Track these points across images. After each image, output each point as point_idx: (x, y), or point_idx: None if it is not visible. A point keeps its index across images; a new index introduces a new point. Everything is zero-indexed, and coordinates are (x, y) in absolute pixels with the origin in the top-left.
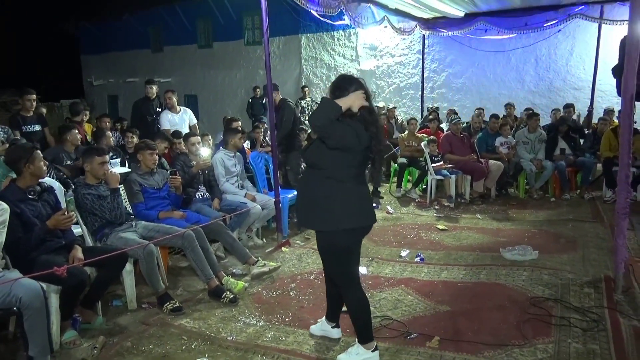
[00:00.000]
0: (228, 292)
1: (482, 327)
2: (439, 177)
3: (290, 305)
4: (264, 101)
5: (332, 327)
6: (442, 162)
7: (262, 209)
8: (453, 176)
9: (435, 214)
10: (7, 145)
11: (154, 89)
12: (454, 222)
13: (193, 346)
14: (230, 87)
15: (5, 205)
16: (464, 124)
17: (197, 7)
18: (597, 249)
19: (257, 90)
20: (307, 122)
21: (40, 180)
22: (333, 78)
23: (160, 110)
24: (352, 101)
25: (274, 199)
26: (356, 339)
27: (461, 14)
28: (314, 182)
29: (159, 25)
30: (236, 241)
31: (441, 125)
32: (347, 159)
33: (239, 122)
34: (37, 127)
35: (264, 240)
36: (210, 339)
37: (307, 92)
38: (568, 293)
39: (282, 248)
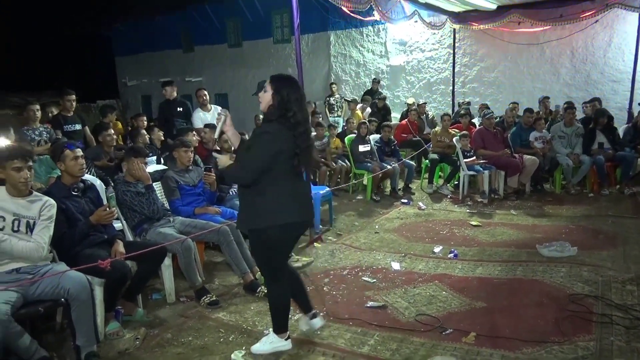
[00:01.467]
0: (263, 287)
1: (519, 324)
2: (471, 172)
3: (324, 300)
4: None
5: (311, 319)
6: (474, 158)
7: None
8: (486, 172)
9: (468, 210)
10: (50, 144)
11: (168, 90)
12: (487, 218)
13: (230, 339)
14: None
15: (52, 201)
16: (497, 119)
17: (226, 6)
18: (638, 245)
19: None
20: (333, 118)
21: (83, 178)
22: (362, 74)
23: (181, 110)
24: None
25: None
26: (270, 329)
27: (493, 6)
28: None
29: (189, 26)
30: None
31: (473, 120)
32: (277, 161)
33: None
34: (78, 127)
35: None
36: (247, 332)
37: (335, 89)
38: (609, 290)
39: (314, 244)
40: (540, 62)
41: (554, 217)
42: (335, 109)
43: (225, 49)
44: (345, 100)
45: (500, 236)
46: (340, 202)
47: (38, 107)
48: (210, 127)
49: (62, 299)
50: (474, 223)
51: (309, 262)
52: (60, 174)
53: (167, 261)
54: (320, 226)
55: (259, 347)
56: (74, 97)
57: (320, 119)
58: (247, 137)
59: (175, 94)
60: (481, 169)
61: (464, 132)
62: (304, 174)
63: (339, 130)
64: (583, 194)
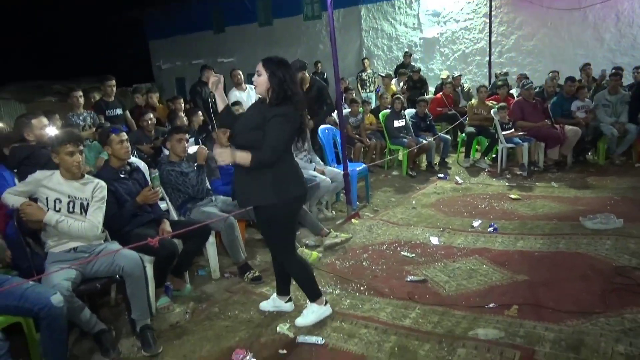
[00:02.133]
0: None
1: (563, 297)
2: (510, 145)
3: (364, 275)
4: (325, 76)
5: (286, 302)
6: (513, 130)
7: (332, 182)
8: (525, 144)
9: (507, 184)
10: (94, 129)
11: (206, 73)
12: (527, 191)
13: (275, 312)
14: (298, 59)
15: (103, 183)
16: (537, 89)
17: None
18: None
19: (319, 65)
20: (365, 94)
21: (129, 161)
22: (395, 48)
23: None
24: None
25: (342, 172)
26: (307, 300)
27: None
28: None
29: (220, 6)
30: (308, 213)
31: (511, 91)
32: None
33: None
34: (119, 111)
35: (334, 213)
36: None
37: (367, 64)
38: None
39: (352, 220)
40: (583, 27)
41: (597, 188)
42: (368, 84)
43: (255, 28)
44: (379, 75)
45: (541, 209)
46: (376, 178)
47: (80, 93)
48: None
49: (117, 276)
50: (513, 196)
51: (347, 239)
52: (107, 157)
53: (211, 239)
54: (357, 203)
55: (304, 320)
56: (114, 82)
57: (353, 94)
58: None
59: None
60: (520, 141)
61: (502, 103)
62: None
63: (373, 105)
64: (628, 165)
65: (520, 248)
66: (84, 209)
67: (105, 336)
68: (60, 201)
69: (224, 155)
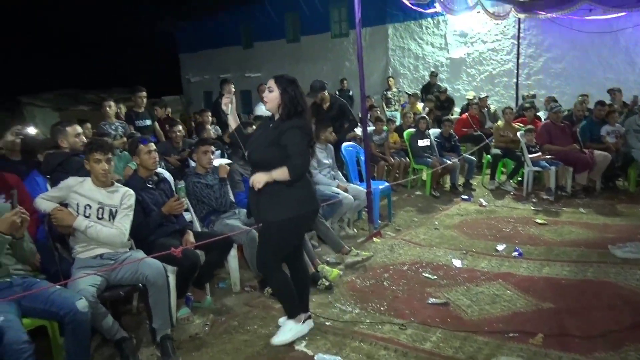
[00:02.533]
0: (324, 279)
1: (591, 327)
2: (536, 168)
3: (385, 295)
4: (350, 94)
5: (304, 321)
6: (540, 153)
7: (354, 199)
8: (553, 168)
9: (532, 208)
10: (125, 139)
11: (226, 87)
12: (554, 216)
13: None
14: (317, 79)
15: (132, 191)
16: (565, 112)
17: (285, 2)
18: None
19: (345, 82)
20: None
21: (157, 171)
22: (421, 67)
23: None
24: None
25: (365, 190)
26: (286, 317)
27: None
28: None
29: (249, 22)
30: (330, 230)
31: (538, 114)
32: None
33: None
34: (148, 122)
35: (355, 231)
36: None
37: (392, 83)
38: None
39: (374, 239)
40: (614, 51)
41: (627, 216)
42: (393, 103)
43: (283, 44)
44: (406, 93)
45: (568, 235)
46: (399, 197)
47: (112, 103)
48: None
49: (140, 285)
50: (539, 221)
51: (368, 257)
52: (135, 167)
53: (233, 252)
54: (379, 221)
55: (280, 338)
56: (144, 94)
57: (378, 112)
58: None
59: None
60: (547, 164)
61: (529, 126)
62: None
63: (397, 124)
64: None
65: (546, 274)
66: (113, 215)
67: (126, 344)
68: (90, 207)
69: (260, 178)
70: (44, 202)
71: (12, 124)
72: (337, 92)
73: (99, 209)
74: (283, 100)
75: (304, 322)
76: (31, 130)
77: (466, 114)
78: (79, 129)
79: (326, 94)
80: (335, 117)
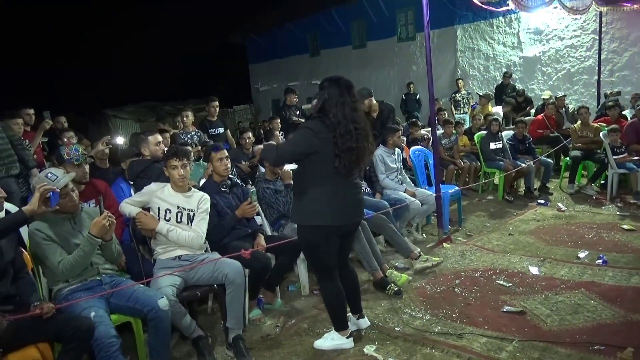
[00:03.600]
0: (392, 285)
1: None
2: (622, 171)
3: (456, 302)
4: (417, 97)
5: (358, 319)
6: (626, 154)
7: (422, 204)
8: None
9: (618, 213)
10: (199, 147)
11: (289, 97)
12: None
13: (362, 333)
14: (384, 84)
15: (207, 196)
16: None
17: (351, 8)
18: None
19: (411, 86)
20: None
21: (230, 176)
22: (492, 68)
23: (299, 113)
24: None
25: (434, 194)
26: (332, 327)
27: None
28: (295, 180)
29: (316, 31)
30: (398, 234)
31: (624, 112)
32: (315, 161)
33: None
34: (220, 130)
35: (424, 236)
36: (379, 328)
37: (462, 85)
38: None
39: (444, 244)
40: None
41: None
42: (462, 105)
43: (349, 50)
44: (477, 94)
45: None
46: (470, 202)
47: (190, 113)
48: None
49: (216, 285)
50: (626, 227)
51: (438, 262)
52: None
53: (302, 255)
54: (449, 226)
55: (321, 343)
56: (217, 103)
57: (446, 115)
58: None
59: (295, 99)
60: (635, 166)
61: (613, 125)
62: (355, 176)
63: (466, 126)
64: None
65: (636, 284)
66: (190, 219)
67: (202, 342)
68: (170, 211)
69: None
70: (128, 207)
71: (99, 134)
72: (404, 96)
73: (177, 213)
74: (317, 97)
75: (348, 337)
76: (119, 140)
77: (542, 114)
78: (159, 137)
79: (374, 101)
80: (385, 122)
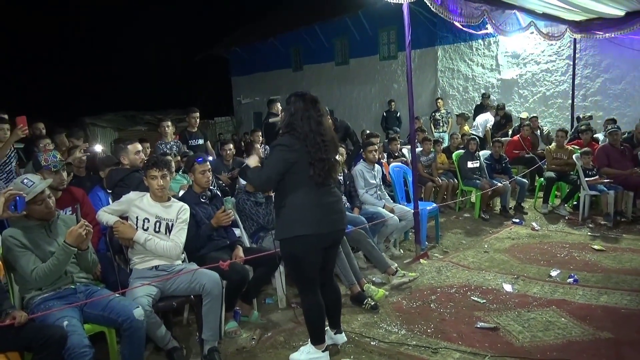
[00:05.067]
0: (369, 299)
1: None
2: (594, 192)
3: (432, 317)
4: (398, 115)
5: (335, 334)
6: (597, 177)
7: (400, 220)
8: (611, 192)
9: (589, 233)
10: (179, 157)
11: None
12: (613, 242)
13: (339, 347)
14: (365, 101)
15: (187, 206)
16: (625, 135)
17: (335, 26)
18: None
19: (392, 103)
20: (438, 134)
21: (210, 187)
22: (470, 89)
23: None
24: (253, 160)
25: (412, 210)
26: (309, 340)
27: (622, 13)
28: (276, 194)
29: (299, 46)
30: (376, 249)
31: (595, 136)
32: (293, 173)
33: (378, 139)
34: (201, 141)
35: (401, 252)
36: (355, 342)
37: (441, 104)
38: None
39: (421, 260)
40: None
41: None
42: (441, 124)
43: (332, 67)
44: (454, 115)
45: (629, 263)
46: (447, 219)
47: (169, 123)
48: None
49: (192, 296)
50: (596, 247)
51: (414, 278)
52: (190, 183)
53: (281, 268)
54: (427, 243)
55: (296, 356)
56: (197, 114)
57: (425, 134)
58: None
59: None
60: (605, 189)
61: (586, 148)
62: (332, 184)
63: (445, 145)
64: None
65: (604, 303)
66: (169, 229)
67: (177, 354)
68: (149, 220)
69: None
70: (106, 215)
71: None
72: (385, 113)
73: (156, 223)
74: (284, 114)
75: (325, 350)
76: (97, 148)
77: (518, 135)
78: (139, 146)
79: (328, 119)
80: (341, 139)
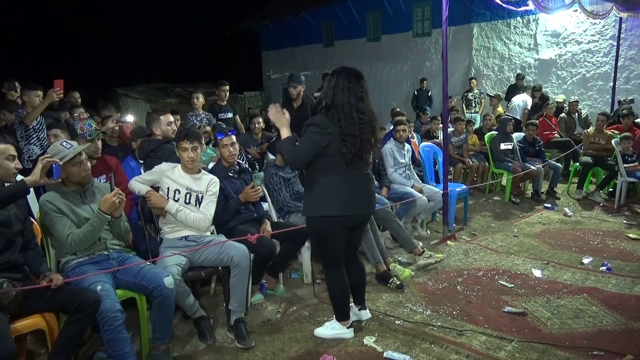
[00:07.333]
0: (395, 278)
1: None
2: (632, 179)
3: (458, 299)
4: (429, 94)
5: (359, 310)
6: (637, 163)
7: (429, 200)
8: None
9: (625, 221)
10: (208, 128)
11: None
12: None
13: (363, 324)
14: (396, 79)
15: (217, 179)
16: None
17: (368, 1)
18: None
19: (424, 82)
20: (470, 114)
21: (239, 162)
22: (506, 69)
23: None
24: (285, 130)
25: (441, 191)
26: (333, 316)
27: None
28: (306, 172)
29: (331, 21)
30: (403, 229)
31: (637, 121)
32: (324, 155)
33: (404, 117)
34: (230, 115)
35: (429, 233)
36: (379, 320)
37: (474, 84)
38: None
39: (448, 242)
40: None
41: None
42: (473, 104)
43: (364, 43)
44: (487, 95)
45: None
46: (476, 201)
47: (200, 95)
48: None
49: (220, 267)
50: (632, 236)
51: (441, 259)
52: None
53: (307, 243)
54: (454, 224)
55: (321, 331)
56: (227, 87)
57: (458, 114)
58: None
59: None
60: None
61: (626, 133)
62: (364, 167)
63: (477, 126)
64: None
65: (638, 293)
66: (199, 201)
67: (204, 322)
68: (179, 192)
69: (275, 114)
70: (138, 185)
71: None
72: (416, 92)
73: (186, 194)
74: (327, 84)
75: (349, 327)
76: (129, 119)
77: (542, 117)
78: (171, 117)
79: (301, 91)
80: (304, 118)
